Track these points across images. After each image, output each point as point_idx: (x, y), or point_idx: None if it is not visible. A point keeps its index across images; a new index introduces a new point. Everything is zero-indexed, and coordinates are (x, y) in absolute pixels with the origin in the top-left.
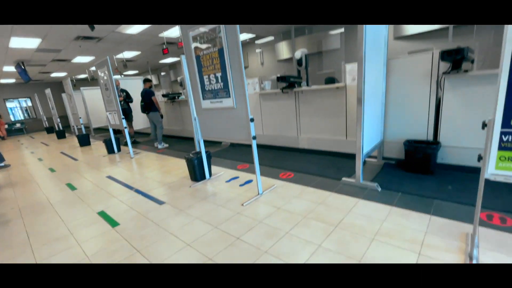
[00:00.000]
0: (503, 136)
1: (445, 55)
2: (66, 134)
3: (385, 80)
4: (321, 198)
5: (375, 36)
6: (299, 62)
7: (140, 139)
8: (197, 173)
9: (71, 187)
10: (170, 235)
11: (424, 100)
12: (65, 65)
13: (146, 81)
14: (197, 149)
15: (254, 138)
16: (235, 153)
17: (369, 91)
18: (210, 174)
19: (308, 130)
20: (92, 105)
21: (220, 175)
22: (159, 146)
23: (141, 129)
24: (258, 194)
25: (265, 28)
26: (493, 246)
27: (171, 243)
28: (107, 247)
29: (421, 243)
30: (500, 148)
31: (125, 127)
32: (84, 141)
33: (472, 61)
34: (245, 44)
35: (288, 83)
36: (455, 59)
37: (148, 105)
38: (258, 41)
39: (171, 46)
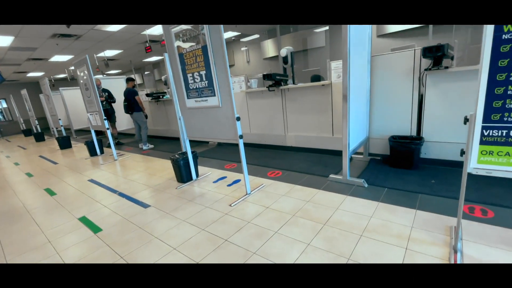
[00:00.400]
0: (484, 131)
1: (426, 52)
2: (46, 137)
3: (369, 77)
4: (309, 196)
5: (359, 34)
6: (285, 60)
7: (124, 140)
8: (183, 174)
9: (50, 192)
10: (156, 239)
11: (407, 96)
12: (42, 64)
13: (129, 80)
14: (183, 150)
15: (241, 137)
16: (222, 153)
17: (354, 88)
18: (197, 175)
19: (295, 128)
20: (72, 106)
21: (208, 176)
22: (144, 147)
23: (125, 130)
24: (246, 194)
25: (250, 26)
26: (476, 238)
27: (156, 248)
28: (89, 254)
29: (407, 238)
30: (482, 142)
31: (108, 128)
32: (64, 143)
33: (452, 58)
34: (231, 42)
35: (274, 81)
36: (436, 56)
37: (132, 105)
38: (243, 39)
39: (155, 44)
